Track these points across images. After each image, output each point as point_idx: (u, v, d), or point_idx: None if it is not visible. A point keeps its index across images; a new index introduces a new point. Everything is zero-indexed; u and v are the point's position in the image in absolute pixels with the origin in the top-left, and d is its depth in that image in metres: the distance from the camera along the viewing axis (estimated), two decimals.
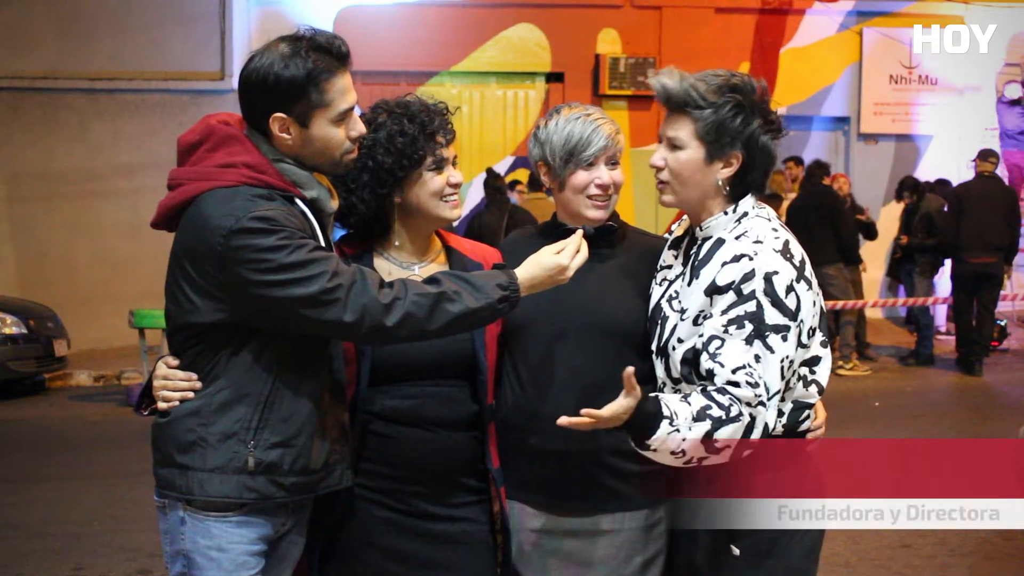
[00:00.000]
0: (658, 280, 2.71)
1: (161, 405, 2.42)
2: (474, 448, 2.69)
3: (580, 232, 2.54)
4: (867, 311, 11.29)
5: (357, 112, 2.47)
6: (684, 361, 2.50)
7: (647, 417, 2.36)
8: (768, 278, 2.41)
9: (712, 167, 2.53)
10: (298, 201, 2.40)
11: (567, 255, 2.46)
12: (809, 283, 2.47)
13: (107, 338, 11.18)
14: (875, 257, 12.11)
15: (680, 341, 2.51)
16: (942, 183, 11.98)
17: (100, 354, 11.13)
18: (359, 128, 2.46)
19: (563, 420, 2.38)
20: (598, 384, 2.66)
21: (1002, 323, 11.42)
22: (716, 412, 2.35)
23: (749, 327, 2.38)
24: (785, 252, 2.46)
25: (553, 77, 12.87)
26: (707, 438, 2.35)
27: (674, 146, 2.54)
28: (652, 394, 2.42)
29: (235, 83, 2.44)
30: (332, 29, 10.59)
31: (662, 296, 2.64)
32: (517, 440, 2.71)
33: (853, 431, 7.56)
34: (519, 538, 2.73)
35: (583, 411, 2.36)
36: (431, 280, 2.40)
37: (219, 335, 2.36)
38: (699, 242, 2.58)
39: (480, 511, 2.71)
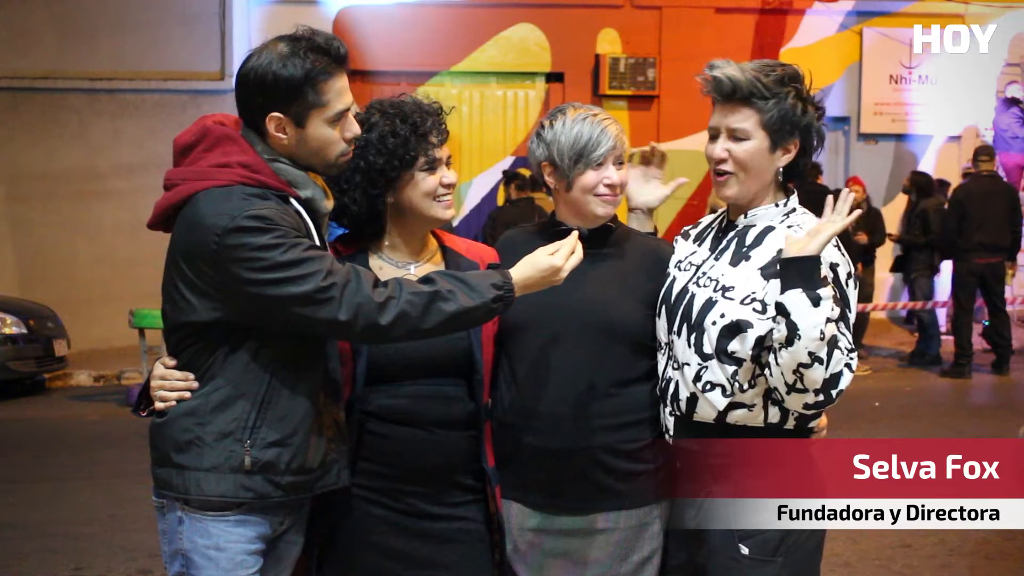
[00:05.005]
0: (681, 267, 2.72)
1: (158, 405, 2.42)
2: (471, 447, 2.69)
3: (575, 234, 2.55)
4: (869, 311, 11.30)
5: (354, 113, 2.47)
6: (723, 336, 2.52)
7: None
8: (833, 268, 2.50)
9: (774, 156, 2.60)
10: (293, 201, 2.40)
11: (561, 256, 2.46)
12: (856, 282, 2.57)
13: (107, 338, 11.18)
14: (880, 257, 12.10)
15: (722, 316, 2.53)
16: (942, 183, 11.98)
17: (100, 354, 11.13)
18: (354, 129, 2.46)
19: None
20: (595, 383, 2.68)
21: None
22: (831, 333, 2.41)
23: (836, 312, 2.44)
24: (838, 246, 2.56)
25: (553, 77, 12.87)
26: (831, 344, 2.39)
27: (737, 137, 2.58)
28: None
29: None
30: (332, 29, 10.62)
31: (689, 280, 2.65)
32: (513, 439, 2.71)
33: (853, 431, 7.57)
34: (515, 537, 2.74)
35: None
36: (426, 279, 2.40)
37: (215, 334, 2.36)
38: (740, 228, 2.64)
39: (477, 510, 2.71)
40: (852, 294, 2.54)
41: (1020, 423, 4.89)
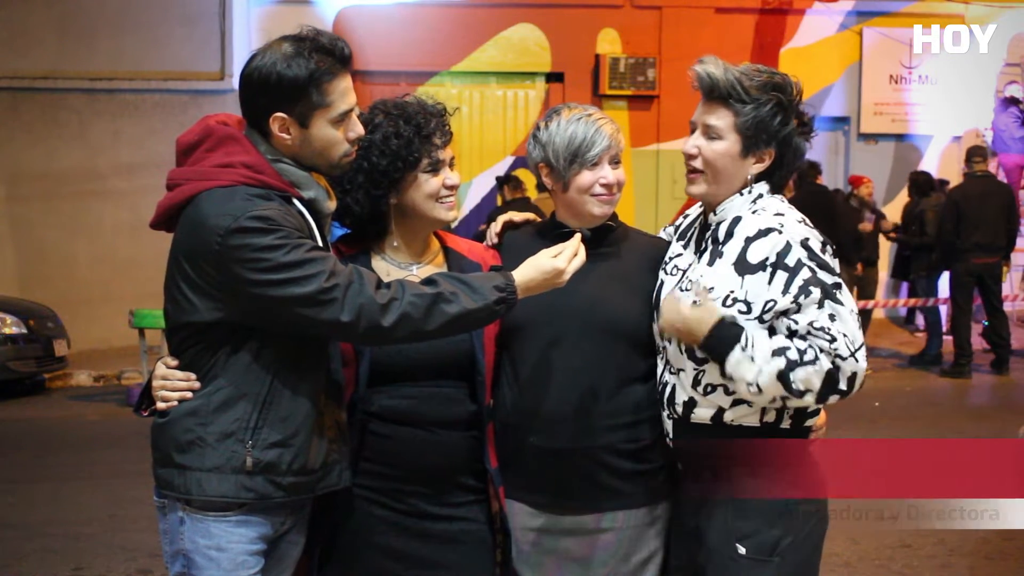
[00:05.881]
0: (668, 271, 2.72)
1: (160, 405, 2.42)
2: (473, 448, 2.69)
3: (578, 236, 2.54)
4: (871, 312, 11.33)
5: (356, 113, 2.47)
6: None
7: (724, 339, 2.41)
8: (805, 245, 2.47)
9: (745, 161, 2.57)
10: (296, 201, 2.40)
11: (564, 259, 2.46)
12: (833, 252, 2.53)
13: (107, 338, 11.17)
14: (880, 257, 12.12)
15: None
16: (942, 183, 12.00)
17: (100, 354, 11.12)
18: (358, 130, 2.46)
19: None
20: (597, 383, 2.68)
21: None
22: (792, 354, 2.40)
23: (816, 291, 2.42)
24: (805, 222, 2.54)
25: (553, 77, 12.87)
26: (782, 378, 2.38)
27: (711, 136, 2.57)
28: (737, 322, 2.44)
29: (235, 83, 2.44)
30: (332, 29, 10.61)
31: (675, 286, 2.64)
32: (516, 440, 2.71)
33: (853, 431, 7.56)
34: (517, 537, 2.74)
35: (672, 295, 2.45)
36: (428, 281, 2.40)
37: (217, 335, 2.36)
38: (714, 226, 2.61)
39: (479, 511, 2.71)
40: (832, 262, 2.49)
41: (1020, 423, 4.89)
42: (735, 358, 2.40)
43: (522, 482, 2.73)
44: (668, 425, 2.67)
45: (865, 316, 11.21)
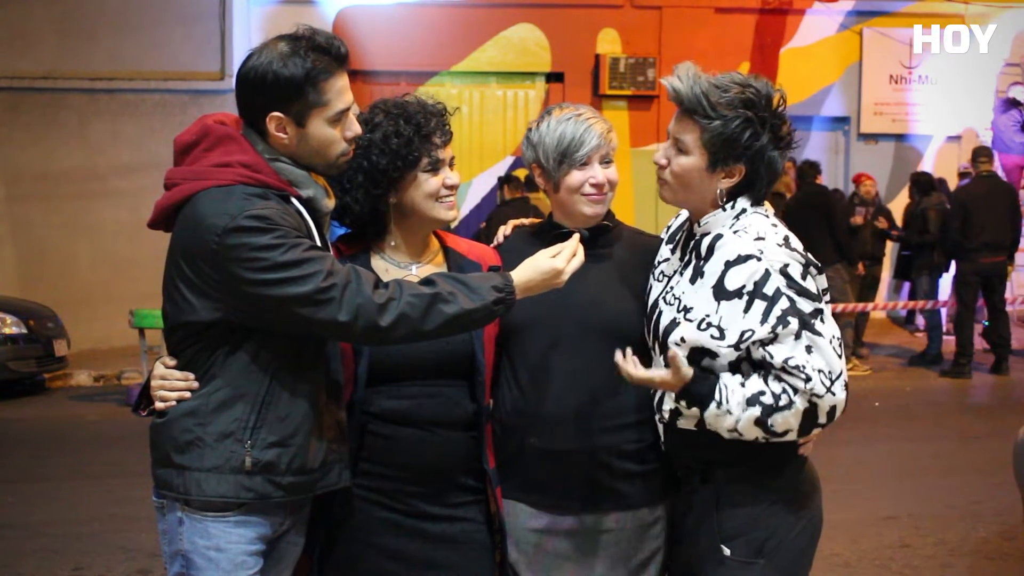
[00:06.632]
0: (656, 276, 2.71)
1: (159, 405, 2.42)
2: (472, 448, 2.68)
3: (577, 236, 2.54)
4: (870, 311, 11.33)
5: (355, 112, 2.47)
6: (691, 359, 2.48)
7: (699, 397, 2.43)
8: (784, 272, 2.42)
9: (714, 176, 2.52)
10: (294, 200, 2.40)
11: (563, 259, 2.46)
12: (817, 270, 2.50)
13: (107, 338, 11.18)
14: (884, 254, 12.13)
15: (683, 340, 2.49)
16: (941, 182, 12.01)
17: (100, 354, 11.13)
18: (355, 129, 2.46)
19: (619, 358, 2.47)
20: (598, 385, 2.68)
21: None
22: (767, 399, 2.40)
23: (794, 322, 2.39)
24: (787, 245, 2.48)
25: (553, 77, 12.88)
26: (760, 424, 2.40)
27: (679, 149, 2.54)
28: (712, 374, 2.45)
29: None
30: (332, 29, 10.62)
31: (660, 294, 2.63)
32: (517, 441, 2.71)
33: (853, 431, 7.58)
34: (517, 538, 2.73)
35: (633, 368, 2.46)
36: (426, 281, 2.40)
37: (216, 334, 2.36)
38: (698, 237, 2.57)
39: (478, 511, 2.71)
40: (812, 284, 2.45)
41: (1020, 423, 4.88)
42: (712, 413, 2.42)
43: (522, 483, 2.72)
44: (660, 429, 2.67)
45: (865, 316, 11.22)
